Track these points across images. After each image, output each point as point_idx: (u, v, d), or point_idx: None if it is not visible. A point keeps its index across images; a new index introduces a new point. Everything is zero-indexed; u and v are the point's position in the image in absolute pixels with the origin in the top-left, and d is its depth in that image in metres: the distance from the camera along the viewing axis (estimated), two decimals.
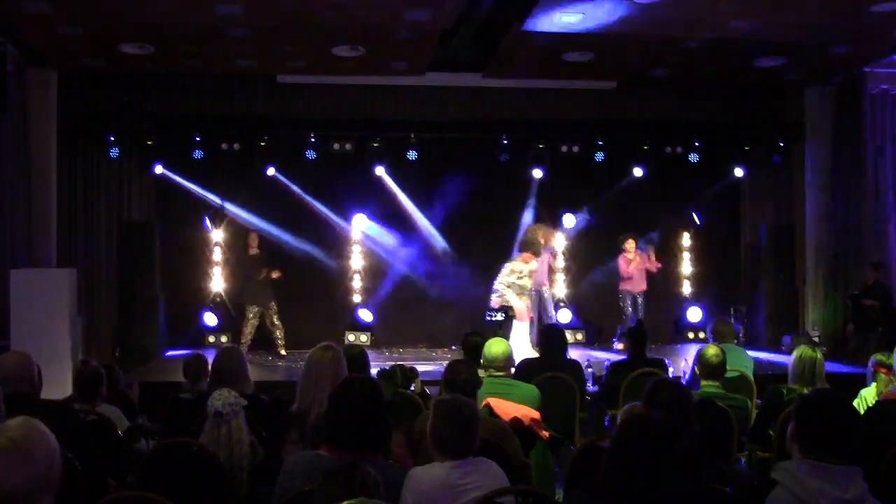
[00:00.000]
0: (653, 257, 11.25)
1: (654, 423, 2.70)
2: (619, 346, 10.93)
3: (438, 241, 12.08)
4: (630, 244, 10.95)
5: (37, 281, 8.56)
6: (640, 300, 11.04)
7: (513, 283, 9.64)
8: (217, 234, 11.83)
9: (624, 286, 11.09)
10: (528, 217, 11.97)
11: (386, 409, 3.63)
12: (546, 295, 10.68)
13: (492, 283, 9.91)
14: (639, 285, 11.01)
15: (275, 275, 10.50)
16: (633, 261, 11.00)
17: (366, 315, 11.91)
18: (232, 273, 11.55)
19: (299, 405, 4.22)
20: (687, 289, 12.69)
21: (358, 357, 5.02)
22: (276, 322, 10.62)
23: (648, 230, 12.03)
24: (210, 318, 11.54)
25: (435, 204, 11.94)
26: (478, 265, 12.06)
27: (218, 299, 11.74)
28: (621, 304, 11.13)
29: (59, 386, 7.54)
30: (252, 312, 10.56)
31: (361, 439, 3.15)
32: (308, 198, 11.69)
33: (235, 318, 11.33)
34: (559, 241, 11.61)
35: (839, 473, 2.65)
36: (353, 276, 12.19)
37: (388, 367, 5.71)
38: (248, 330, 10.55)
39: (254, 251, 10.71)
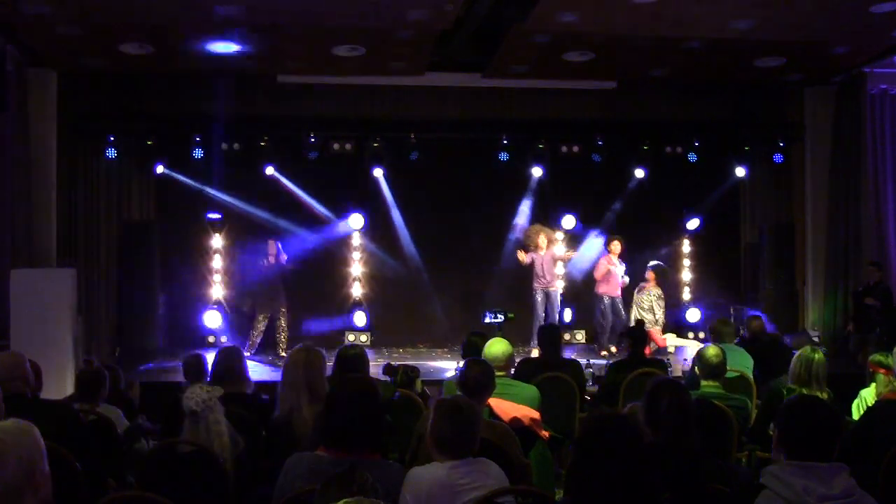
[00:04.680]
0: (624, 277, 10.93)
1: (613, 423, 2.75)
2: (603, 352, 10.75)
3: (433, 248, 12.06)
4: (616, 246, 10.77)
5: (37, 281, 8.56)
6: (618, 304, 10.76)
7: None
8: (217, 241, 11.82)
9: (599, 289, 10.80)
10: (528, 217, 11.96)
11: (385, 409, 3.63)
12: (553, 296, 10.61)
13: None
14: (615, 289, 10.75)
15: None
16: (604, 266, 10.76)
17: (360, 318, 11.89)
18: (243, 276, 11.49)
19: (280, 411, 4.22)
20: (686, 289, 12.68)
21: (357, 357, 5.01)
22: (284, 325, 10.65)
23: (648, 231, 12.02)
24: (211, 319, 11.53)
25: (434, 204, 11.94)
26: (477, 265, 12.07)
27: (218, 302, 11.73)
28: (599, 307, 10.82)
29: (59, 386, 7.55)
30: (262, 317, 10.59)
31: (358, 439, 3.15)
32: (307, 198, 11.68)
33: (233, 321, 11.39)
34: (559, 246, 11.50)
35: (824, 471, 2.70)
36: (353, 276, 12.18)
37: (395, 364, 5.73)
38: (257, 335, 10.60)
39: (272, 259, 10.67)
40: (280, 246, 10.78)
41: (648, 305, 10.60)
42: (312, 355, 4.35)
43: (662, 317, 10.68)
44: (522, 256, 10.56)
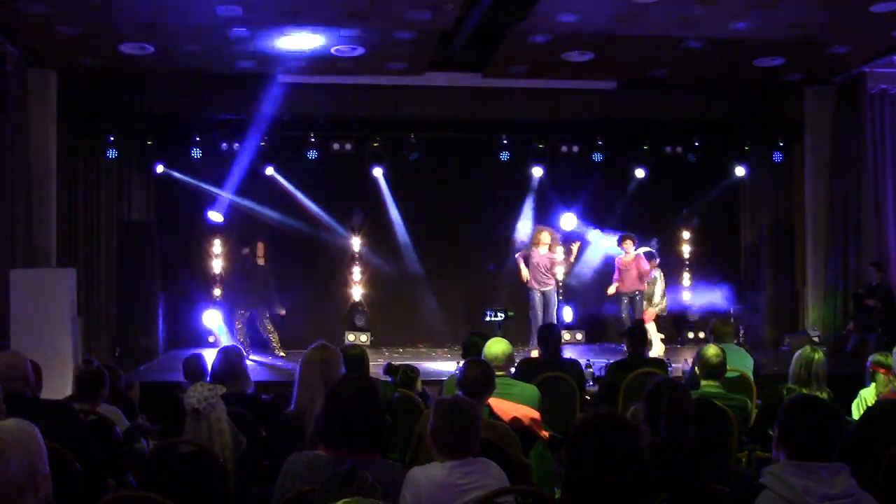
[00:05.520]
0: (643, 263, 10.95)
1: (606, 423, 2.73)
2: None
3: (433, 248, 12.05)
4: (627, 244, 10.78)
5: (37, 281, 8.55)
6: (637, 299, 10.73)
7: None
8: (217, 244, 11.80)
9: (618, 288, 10.74)
10: (527, 217, 11.96)
11: (385, 409, 3.63)
12: (551, 295, 10.62)
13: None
14: (633, 285, 10.70)
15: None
16: (626, 261, 10.75)
17: (361, 318, 11.90)
18: (231, 278, 11.47)
19: (295, 407, 4.22)
20: (686, 289, 12.67)
21: (357, 357, 5.01)
22: (269, 327, 10.59)
23: (648, 231, 12.03)
24: (210, 318, 11.53)
25: (434, 204, 11.94)
26: (477, 265, 12.07)
27: (218, 298, 11.72)
28: (619, 305, 10.84)
29: (59, 386, 7.54)
30: (239, 318, 10.50)
31: (357, 439, 3.15)
32: (306, 198, 11.69)
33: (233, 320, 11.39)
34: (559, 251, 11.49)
35: (825, 471, 2.70)
36: (352, 276, 12.18)
37: (396, 364, 5.73)
38: (242, 335, 10.53)
39: (260, 261, 10.64)
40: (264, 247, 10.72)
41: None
42: (329, 353, 4.35)
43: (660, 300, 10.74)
44: (525, 275, 10.46)
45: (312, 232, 11.83)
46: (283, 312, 10.58)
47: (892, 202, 11.11)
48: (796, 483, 2.66)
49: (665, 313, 11.00)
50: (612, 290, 10.81)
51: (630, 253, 10.69)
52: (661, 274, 10.81)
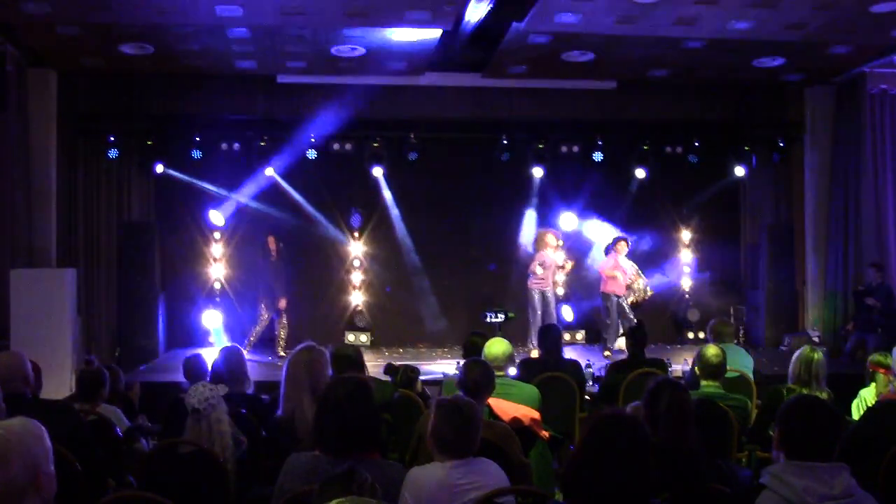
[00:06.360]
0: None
1: (622, 422, 2.72)
2: (605, 353, 10.71)
3: (433, 248, 12.05)
4: (622, 246, 10.74)
5: (37, 281, 8.56)
6: (623, 303, 10.59)
7: None
8: (217, 247, 11.80)
9: (606, 287, 10.66)
10: (528, 217, 11.96)
11: (379, 407, 3.61)
12: (550, 296, 10.62)
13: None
14: (619, 287, 10.59)
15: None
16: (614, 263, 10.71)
17: (361, 318, 11.90)
18: (249, 272, 11.47)
19: (283, 410, 4.22)
20: (686, 289, 12.66)
21: (352, 356, 5.00)
22: (285, 323, 10.67)
23: (648, 231, 12.04)
24: (210, 318, 11.53)
25: (434, 204, 11.94)
26: (477, 265, 12.07)
27: (218, 299, 11.72)
28: (604, 305, 10.71)
29: (59, 386, 7.56)
30: (267, 314, 10.63)
31: (353, 441, 3.13)
32: (306, 197, 11.68)
33: (233, 320, 11.40)
34: (559, 253, 11.48)
35: (825, 471, 2.70)
36: (352, 276, 12.17)
37: (396, 364, 5.73)
38: (259, 329, 10.61)
39: (273, 255, 10.68)
40: (275, 241, 10.76)
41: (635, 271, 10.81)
42: (315, 354, 4.34)
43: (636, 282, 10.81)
44: (537, 269, 10.42)
45: (312, 232, 11.82)
46: (283, 305, 10.57)
47: (892, 202, 11.10)
48: (796, 483, 2.66)
49: (651, 291, 10.98)
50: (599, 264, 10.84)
51: (621, 254, 10.68)
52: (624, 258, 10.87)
